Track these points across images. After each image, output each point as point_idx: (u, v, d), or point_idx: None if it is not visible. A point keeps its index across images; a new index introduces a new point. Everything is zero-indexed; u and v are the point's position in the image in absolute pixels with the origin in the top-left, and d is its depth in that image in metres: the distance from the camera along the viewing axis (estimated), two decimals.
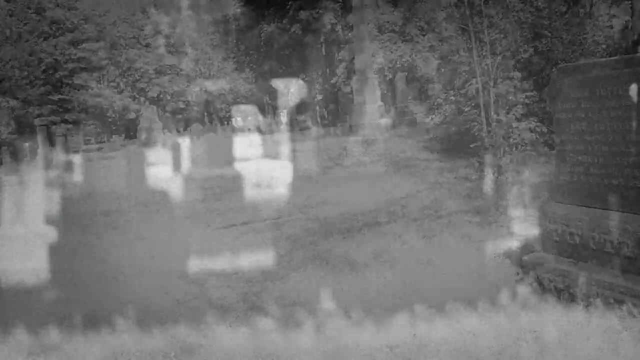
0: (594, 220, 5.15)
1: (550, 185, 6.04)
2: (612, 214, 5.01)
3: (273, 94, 40.40)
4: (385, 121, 18.49)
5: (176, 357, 4.78)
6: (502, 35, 10.14)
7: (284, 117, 43.65)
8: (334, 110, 34.46)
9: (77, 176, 16.05)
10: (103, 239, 8.99)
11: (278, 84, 38.41)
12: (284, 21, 30.14)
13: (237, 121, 23.31)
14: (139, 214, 10.47)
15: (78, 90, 33.77)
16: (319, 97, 38.09)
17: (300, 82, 37.15)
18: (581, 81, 5.22)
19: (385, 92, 29.38)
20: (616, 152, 4.87)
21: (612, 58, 5.79)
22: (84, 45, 32.94)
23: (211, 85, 41.35)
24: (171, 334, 5.18)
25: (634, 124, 4.62)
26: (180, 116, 41.80)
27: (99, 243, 8.79)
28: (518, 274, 6.04)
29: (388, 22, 26.93)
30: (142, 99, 36.51)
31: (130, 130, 34.48)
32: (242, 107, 25.96)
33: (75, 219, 10.14)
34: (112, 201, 11.52)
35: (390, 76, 28.74)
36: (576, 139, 5.21)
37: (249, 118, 23.36)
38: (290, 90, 38.57)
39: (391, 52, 27.39)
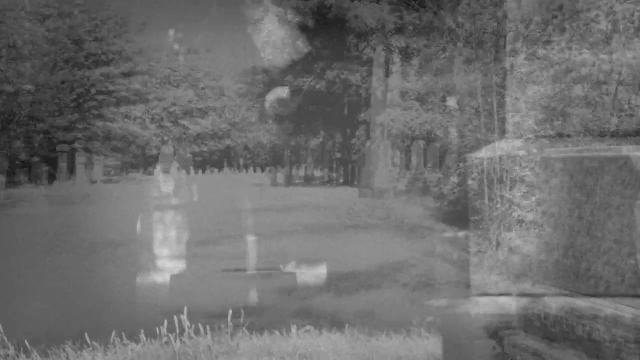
0: (569, 303, 5.18)
1: (534, 265, 6.11)
2: (587, 298, 5.04)
3: (293, 147, 40.90)
4: (396, 186, 18.67)
5: None
6: (511, 114, 10.34)
7: (301, 171, 44.04)
8: (351, 170, 34.71)
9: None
10: None
11: (299, 138, 38.95)
12: (309, 77, 30.72)
13: None
14: None
15: (105, 122, 34.54)
16: (337, 155, 38.43)
17: (320, 138, 37.62)
18: (569, 170, 5.34)
19: (401, 157, 29.63)
20: (593, 241, 4.95)
21: (600, 148, 5.93)
22: (116, 79, 33.86)
23: (235, 132, 41.98)
24: None
25: (612, 215, 4.72)
26: (200, 159, 42.34)
27: None
28: (494, 348, 6.05)
29: (412, 89, 27.38)
30: (165, 137, 37.15)
31: (148, 166, 35.00)
32: None
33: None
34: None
35: (408, 142, 29.04)
36: (558, 223, 5.29)
37: None
38: (310, 145, 39.05)
39: (411, 119, 27.74)
